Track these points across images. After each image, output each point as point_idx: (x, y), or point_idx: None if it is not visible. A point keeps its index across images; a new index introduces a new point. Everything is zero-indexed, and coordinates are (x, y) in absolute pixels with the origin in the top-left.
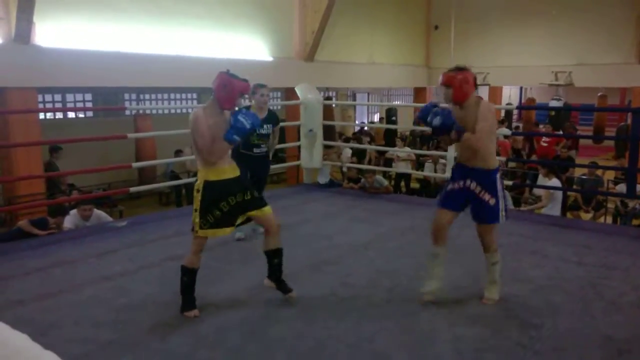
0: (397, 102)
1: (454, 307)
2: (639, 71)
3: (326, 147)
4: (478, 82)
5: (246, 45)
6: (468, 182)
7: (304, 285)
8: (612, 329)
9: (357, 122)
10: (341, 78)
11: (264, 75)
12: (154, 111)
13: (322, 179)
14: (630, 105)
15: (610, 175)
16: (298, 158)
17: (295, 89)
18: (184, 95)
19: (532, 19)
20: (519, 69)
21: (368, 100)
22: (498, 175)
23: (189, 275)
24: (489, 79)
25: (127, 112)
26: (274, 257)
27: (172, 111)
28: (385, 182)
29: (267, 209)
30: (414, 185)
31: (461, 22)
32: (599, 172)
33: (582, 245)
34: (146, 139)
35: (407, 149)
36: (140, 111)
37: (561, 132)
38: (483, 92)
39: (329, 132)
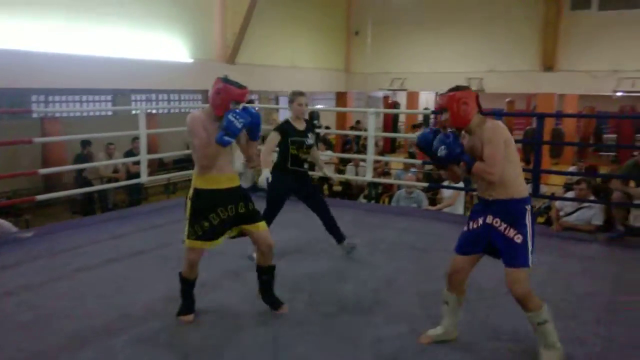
0: (319, 106)
1: (373, 307)
2: (543, 78)
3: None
4: (396, 86)
5: (165, 46)
6: (489, 218)
7: (225, 293)
8: (519, 322)
9: None
10: (263, 81)
11: (183, 78)
12: (64, 114)
13: (245, 183)
14: (535, 111)
15: None
16: None
17: None
18: (97, 97)
19: (447, 28)
20: (434, 75)
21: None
22: (528, 207)
23: (184, 284)
24: (406, 84)
25: (35, 115)
26: (263, 274)
27: (85, 114)
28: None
29: (262, 225)
30: (337, 188)
31: (380, 28)
32: None
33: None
34: (55, 144)
35: (329, 152)
36: (49, 114)
37: None
38: (401, 97)
39: None
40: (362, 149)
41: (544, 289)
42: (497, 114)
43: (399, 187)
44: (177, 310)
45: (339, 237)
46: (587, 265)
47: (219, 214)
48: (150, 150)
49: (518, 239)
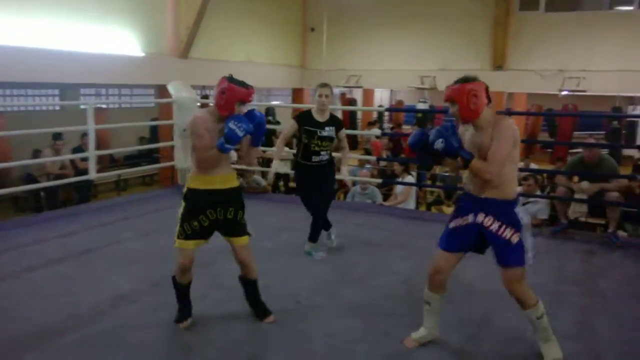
0: (275, 102)
1: (326, 301)
2: (493, 77)
3: None
4: (352, 84)
5: (116, 40)
6: (480, 216)
7: (170, 290)
8: (467, 312)
9: None
10: (217, 76)
11: (135, 72)
12: (9, 108)
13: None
14: None
15: None
16: (172, 159)
17: (167, 86)
18: (43, 92)
19: (401, 26)
20: (389, 72)
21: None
22: (517, 208)
23: (177, 288)
24: (362, 81)
25: None
26: (246, 286)
27: (30, 108)
28: (264, 182)
29: (242, 240)
30: (293, 184)
31: (335, 25)
32: None
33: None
34: None
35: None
36: None
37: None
38: (357, 94)
39: None
40: None
41: (492, 280)
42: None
43: (354, 183)
44: (175, 317)
45: (326, 227)
46: None
47: (208, 215)
48: (100, 146)
49: (515, 239)
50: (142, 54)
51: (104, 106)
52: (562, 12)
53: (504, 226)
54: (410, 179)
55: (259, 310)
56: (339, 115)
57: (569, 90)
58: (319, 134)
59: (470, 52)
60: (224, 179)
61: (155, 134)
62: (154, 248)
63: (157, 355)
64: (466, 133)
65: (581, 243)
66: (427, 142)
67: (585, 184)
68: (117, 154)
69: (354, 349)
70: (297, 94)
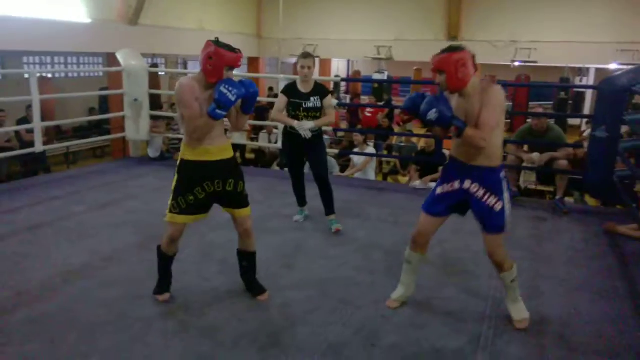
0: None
1: (284, 272)
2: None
3: (155, 117)
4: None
5: (60, 4)
6: (467, 183)
7: (130, 264)
8: (420, 279)
9: None
10: (169, 44)
11: (80, 39)
12: None
13: (153, 152)
14: None
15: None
16: (123, 130)
17: (117, 54)
18: None
19: None
20: (345, 42)
21: None
22: (502, 174)
23: (162, 259)
24: (318, 51)
25: None
26: (243, 259)
27: None
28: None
29: (246, 211)
30: (249, 155)
31: None
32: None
33: (398, 207)
34: None
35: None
36: None
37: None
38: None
39: (155, 102)
40: None
41: (446, 247)
42: (405, 82)
43: None
44: (154, 289)
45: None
46: None
47: (205, 187)
48: (46, 118)
49: (498, 206)
50: (88, 20)
51: (49, 75)
52: None
53: (488, 193)
54: (370, 149)
55: (255, 286)
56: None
57: (521, 61)
58: (304, 105)
59: (425, 22)
60: (220, 150)
61: (105, 104)
62: (106, 222)
63: (112, 330)
64: (451, 101)
65: (530, 210)
66: (421, 110)
67: (536, 155)
68: (65, 125)
69: (310, 318)
70: (252, 64)
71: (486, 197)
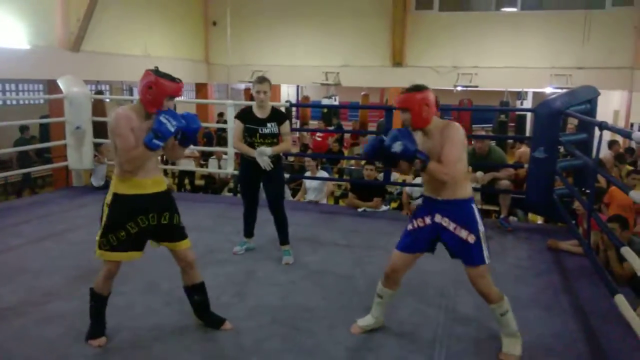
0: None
1: (235, 301)
2: (393, 73)
3: (99, 145)
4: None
5: None
6: (437, 217)
7: (71, 300)
8: (371, 301)
9: None
10: (112, 71)
11: (20, 65)
12: None
13: (97, 181)
14: (387, 104)
15: None
16: (66, 158)
17: (58, 81)
18: None
19: (305, 21)
20: (294, 68)
21: None
22: (474, 205)
23: (96, 300)
24: (267, 76)
25: None
26: (194, 294)
27: None
28: (167, 181)
29: (184, 243)
30: (199, 182)
31: (239, 19)
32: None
33: (350, 230)
34: None
35: (191, 147)
36: None
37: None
38: None
39: (102, 130)
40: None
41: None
42: (353, 107)
43: None
44: (87, 334)
45: (283, 239)
46: None
47: (138, 222)
48: None
49: (471, 239)
50: (28, 46)
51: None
52: (454, 12)
53: (459, 227)
54: (323, 173)
55: (214, 319)
56: None
57: (463, 86)
58: (260, 131)
59: (371, 49)
60: (156, 182)
61: (46, 132)
62: (46, 255)
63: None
64: (425, 142)
65: None
66: (383, 147)
67: (479, 174)
68: (2, 155)
69: (263, 346)
70: (201, 90)
71: (457, 230)
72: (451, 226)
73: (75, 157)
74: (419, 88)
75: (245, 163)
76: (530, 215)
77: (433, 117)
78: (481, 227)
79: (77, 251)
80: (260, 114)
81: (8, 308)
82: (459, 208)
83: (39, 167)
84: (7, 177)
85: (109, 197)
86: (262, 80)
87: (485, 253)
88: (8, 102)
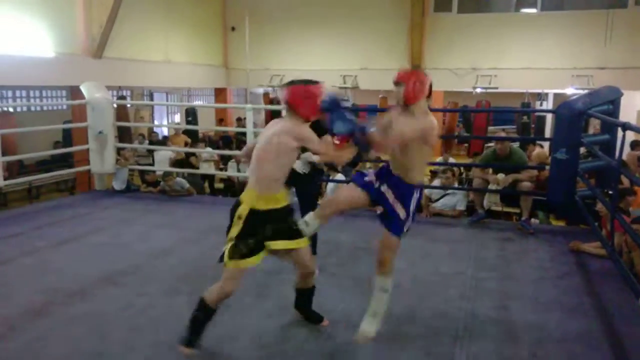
0: (198, 102)
1: (253, 304)
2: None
3: (121, 149)
4: (276, 83)
5: (22, 39)
6: (384, 187)
7: (96, 300)
8: (393, 304)
9: (156, 122)
10: (134, 76)
11: (44, 73)
12: None
13: (119, 185)
14: None
15: None
16: (88, 163)
17: (81, 87)
18: None
19: (323, 25)
20: (312, 72)
21: (167, 101)
22: (416, 193)
23: (205, 311)
24: (285, 81)
25: None
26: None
27: None
28: (187, 185)
29: (303, 241)
30: (218, 185)
31: (257, 24)
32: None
33: (370, 232)
34: None
35: (209, 149)
36: None
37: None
38: (282, 94)
39: (124, 134)
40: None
41: (415, 271)
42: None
43: None
44: (183, 339)
45: None
46: (452, 247)
47: (266, 230)
48: (7, 152)
49: (402, 214)
50: (52, 54)
51: (10, 109)
52: (473, 14)
53: (397, 202)
54: (340, 176)
55: (313, 315)
56: (262, 114)
57: (482, 88)
58: None
59: (389, 51)
60: (283, 196)
61: (69, 137)
62: (70, 257)
63: None
64: (400, 117)
65: (497, 231)
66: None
67: (500, 176)
68: (28, 160)
69: (284, 346)
70: (220, 94)
71: (395, 203)
72: (391, 199)
73: (98, 161)
74: (416, 67)
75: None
76: (552, 218)
77: (422, 100)
78: (412, 211)
79: (100, 253)
80: None
81: (34, 309)
82: (404, 189)
83: (62, 171)
84: (31, 182)
85: (243, 211)
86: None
87: (404, 230)
88: (32, 109)
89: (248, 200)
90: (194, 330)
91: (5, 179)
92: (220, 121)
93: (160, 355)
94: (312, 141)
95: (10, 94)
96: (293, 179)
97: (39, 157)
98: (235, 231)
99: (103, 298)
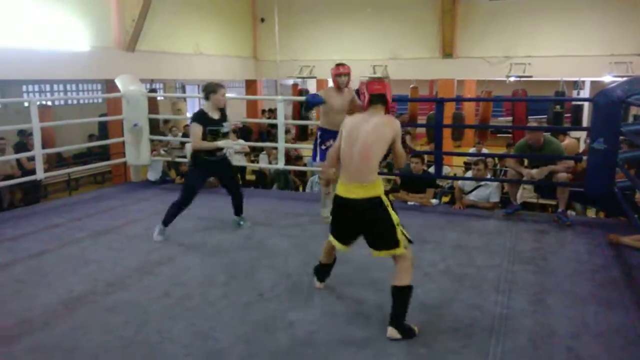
0: (229, 94)
1: (287, 294)
2: (442, 64)
3: (159, 140)
4: (305, 74)
5: (59, 33)
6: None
7: (133, 290)
8: (426, 296)
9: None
10: (166, 69)
11: (80, 67)
12: None
13: (153, 176)
14: (437, 96)
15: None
16: (124, 155)
17: (116, 80)
18: None
19: (352, 16)
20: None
21: (198, 93)
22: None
23: (410, 293)
24: (315, 72)
25: None
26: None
27: None
28: None
29: None
30: (250, 177)
31: (286, 15)
32: None
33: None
34: None
35: (241, 141)
36: None
37: None
38: (311, 85)
39: (154, 126)
40: (273, 138)
41: (449, 263)
42: (402, 100)
43: (313, 172)
44: (409, 334)
45: (239, 211)
46: (487, 240)
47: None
48: (46, 145)
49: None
50: (87, 48)
51: (48, 103)
52: (506, 0)
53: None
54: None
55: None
56: (290, 106)
57: (516, 76)
58: (221, 131)
59: (419, 40)
60: None
61: (104, 130)
62: (108, 247)
63: (117, 357)
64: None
65: (533, 223)
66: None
67: (535, 171)
68: (66, 152)
69: (315, 338)
70: (250, 86)
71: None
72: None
73: (133, 154)
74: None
75: (205, 163)
76: (589, 210)
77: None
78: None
79: (136, 244)
80: (214, 115)
81: (74, 297)
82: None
83: (99, 164)
84: (69, 174)
85: (385, 199)
86: (223, 85)
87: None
88: (69, 102)
89: (378, 190)
90: (406, 311)
91: (44, 172)
92: (271, 112)
93: (196, 344)
94: None
95: (48, 87)
96: (214, 167)
97: (77, 149)
98: (395, 218)
99: (140, 288)
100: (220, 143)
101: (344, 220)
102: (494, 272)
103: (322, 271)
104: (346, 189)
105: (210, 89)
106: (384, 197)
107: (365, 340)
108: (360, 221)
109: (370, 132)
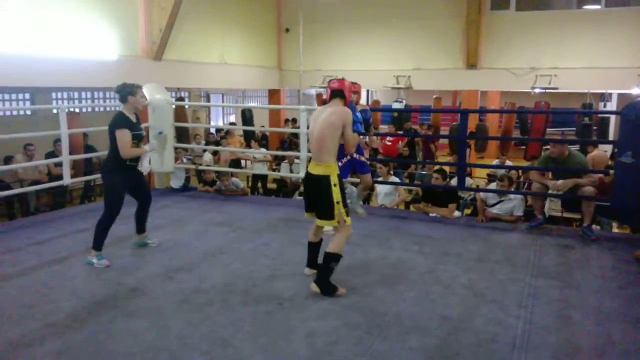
0: (252, 104)
1: (306, 303)
2: (466, 75)
3: (180, 149)
4: (325, 84)
5: (87, 42)
6: (355, 154)
7: (155, 296)
8: (447, 310)
9: (212, 123)
10: (192, 78)
11: (107, 75)
12: None
13: (176, 183)
14: (460, 107)
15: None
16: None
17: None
18: (13, 96)
19: (376, 26)
20: (365, 72)
21: (223, 102)
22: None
23: (337, 260)
24: None
25: None
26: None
27: (0, 113)
28: (242, 184)
29: None
30: (271, 185)
31: (311, 26)
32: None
33: (422, 235)
34: None
35: (263, 150)
36: None
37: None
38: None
39: (182, 134)
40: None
41: (471, 276)
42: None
43: None
44: (327, 291)
45: (141, 228)
46: (510, 253)
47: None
48: (74, 151)
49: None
50: (115, 57)
51: (76, 110)
52: (532, 11)
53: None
54: (393, 179)
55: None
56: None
57: (541, 88)
58: (142, 135)
59: (443, 51)
60: None
61: None
62: (131, 253)
63: None
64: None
65: (557, 237)
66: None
67: (560, 182)
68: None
69: (335, 349)
70: (273, 95)
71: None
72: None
73: (158, 161)
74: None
75: (127, 170)
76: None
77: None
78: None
79: (159, 250)
80: (134, 118)
81: (97, 302)
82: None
83: None
84: (94, 180)
85: (334, 179)
86: (141, 86)
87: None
88: (97, 109)
89: (329, 170)
90: (330, 277)
91: (71, 177)
92: (295, 121)
93: (215, 351)
94: None
95: (76, 95)
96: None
97: (103, 155)
98: (337, 196)
99: (161, 294)
100: (146, 147)
101: (306, 191)
102: (516, 286)
103: (309, 251)
104: (310, 166)
105: (127, 91)
106: (333, 178)
107: (384, 352)
108: (311, 192)
109: (324, 120)
